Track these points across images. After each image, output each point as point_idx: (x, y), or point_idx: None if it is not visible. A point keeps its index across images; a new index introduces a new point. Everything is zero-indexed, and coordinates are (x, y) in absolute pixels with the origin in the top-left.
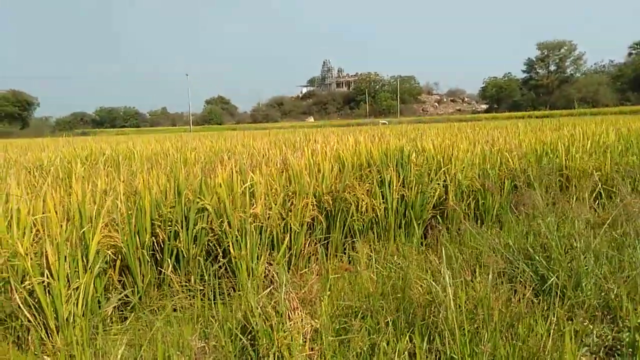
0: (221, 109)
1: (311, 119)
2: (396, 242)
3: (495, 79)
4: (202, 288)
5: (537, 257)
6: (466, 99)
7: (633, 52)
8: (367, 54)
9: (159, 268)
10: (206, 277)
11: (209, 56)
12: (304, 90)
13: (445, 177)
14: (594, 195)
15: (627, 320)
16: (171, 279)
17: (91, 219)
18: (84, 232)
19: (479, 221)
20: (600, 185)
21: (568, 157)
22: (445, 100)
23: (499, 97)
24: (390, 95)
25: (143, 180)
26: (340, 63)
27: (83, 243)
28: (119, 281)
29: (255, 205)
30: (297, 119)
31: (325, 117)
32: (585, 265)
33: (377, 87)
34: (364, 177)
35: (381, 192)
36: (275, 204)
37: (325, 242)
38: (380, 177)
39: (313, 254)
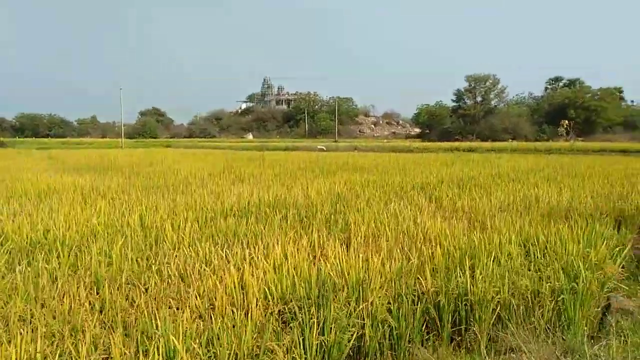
0: (156, 121)
1: (250, 136)
2: None
3: (427, 106)
4: None
5: None
6: (401, 122)
7: (549, 87)
8: (307, 70)
9: None
10: None
11: (143, 64)
12: (244, 105)
13: (362, 312)
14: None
15: None
16: None
17: None
18: None
19: None
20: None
21: (472, 282)
22: (381, 122)
23: (431, 123)
24: (329, 116)
25: None
26: (280, 81)
27: None
28: None
29: None
30: (236, 135)
31: (265, 134)
32: None
33: (317, 106)
34: (287, 322)
35: (301, 339)
36: None
37: None
38: (301, 321)
39: None
